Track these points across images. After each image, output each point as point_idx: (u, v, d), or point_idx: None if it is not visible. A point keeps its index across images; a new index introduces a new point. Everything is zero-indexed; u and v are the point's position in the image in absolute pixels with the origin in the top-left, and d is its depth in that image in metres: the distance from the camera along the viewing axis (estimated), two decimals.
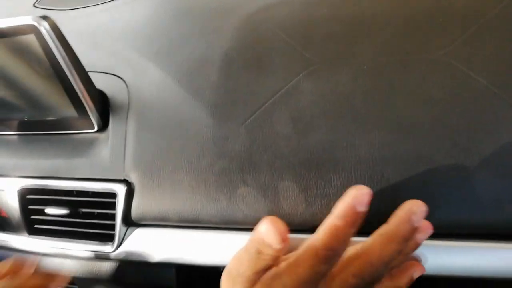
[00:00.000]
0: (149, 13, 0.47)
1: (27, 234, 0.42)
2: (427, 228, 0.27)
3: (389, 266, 0.25)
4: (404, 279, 0.28)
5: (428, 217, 0.28)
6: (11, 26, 0.34)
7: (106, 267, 0.39)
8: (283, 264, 0.25)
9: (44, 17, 0.33)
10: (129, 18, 0.48)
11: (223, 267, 0.35)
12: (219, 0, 0.44)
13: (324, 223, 0.25)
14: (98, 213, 0.39)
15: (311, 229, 0.31)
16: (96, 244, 0.38)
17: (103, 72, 0.42)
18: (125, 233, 0.37)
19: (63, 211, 0.39)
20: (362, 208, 0.23)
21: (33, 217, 0.41)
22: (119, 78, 0.41)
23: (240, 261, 0.26)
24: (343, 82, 0.33)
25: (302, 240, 0.26)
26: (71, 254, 0.40)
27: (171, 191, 0.34)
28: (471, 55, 0.31)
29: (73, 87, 0.37)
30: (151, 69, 0.40)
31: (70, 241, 0.39)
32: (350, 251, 0.25)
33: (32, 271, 0.34)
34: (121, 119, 0.39)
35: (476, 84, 0.30)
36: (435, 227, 0.27)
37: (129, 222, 0.37)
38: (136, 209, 0.35)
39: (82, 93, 0.37)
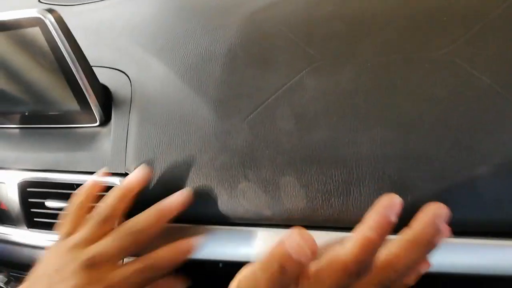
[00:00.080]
0: (153, 9, 0.47)
1: (26, 227, 0.42)
2: (447, 230, 0.26)
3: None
4: (412, 275, 0.28)
5: None
6: (16, 19, 0.34)
7: None
8: (304, 281, 0.23)
9: (50, 10, 0.34)
10: (133, 14, 0.48)
11: (221, 262, 0.35)
12: None
13: (355, 235, 0.23)
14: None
15: (311, 225, 0.32)
16: None
17: (107, 67, 0.42)
18: None
19: (63, 204, 0.39)
20: (394, 218, 0.23)
21: (33, 210, 0.41)
22: (122, 73, 0.42)
23: (256, 281, 0.22)
24: (346, 79, 0.33)
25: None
26: None
27: (171, 185, 0.34)
28: (474, 54, 0.31)
29: (76, 81, 0.37)
30: (154, 64, 0.40)
31: None
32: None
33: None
34: (123, 113, 0.39)
35: (479, 83, 0.30)
36: None
37: (129, 216, 0.37)
38: (137, 203, 0.35)
39: (85, 87, 0.37)
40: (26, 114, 0.42)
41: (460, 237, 0.29)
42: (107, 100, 0.40)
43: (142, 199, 0.34)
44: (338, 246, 0.23)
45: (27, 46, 0.36)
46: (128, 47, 0.44)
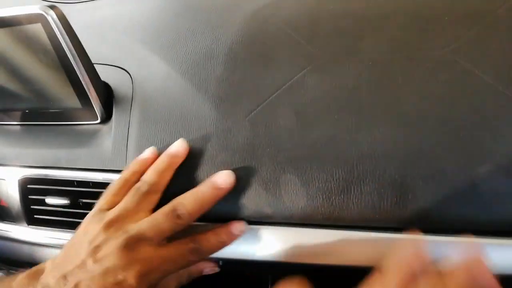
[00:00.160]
0: (155, 7, 0.47)
1: (26, 224, 0.41)
2: None
3: None
4: None
5: (429, 213, 0.29)
6: (18, 15, 0.34)
7: None
8: None
9: (52, 7, 0.34)
10: (135, 11, 0.48)
11: (221, 259, 0.35)
12: None
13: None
14: None
15: (311, 224, 0.32)
16: None
17: (108, 65, 0.43)
18: None
19: (64, 201, 0.39)
20: None
21: (33, 207, 0.41)
22: (124, 71, 0.42)
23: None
24: (348, 77, 0.33)
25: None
26: None
27: (171, 183, 0.34)
28: (476, 53, 0.31)
29: (78, 78, 0.37)
30: (156, 62, 0.40)
31: (69, 232, 0.39)
32: None
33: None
34: (124, 111, 0.39)
35: (481, 82, 0.30)
36: (436, 222, 0.27)
37: None
38: None
39: (87, 84, 0.37)
40: (27, 111, 0.42)
41: (460, 235, 0.29)
42: (108, 98, 0.40)
43: None
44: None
45: (28, 42, 0.36)
46: (130, 44, 0.44)
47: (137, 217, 0.30)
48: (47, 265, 0.30)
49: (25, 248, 0.43)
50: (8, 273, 0.47)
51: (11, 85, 0.40)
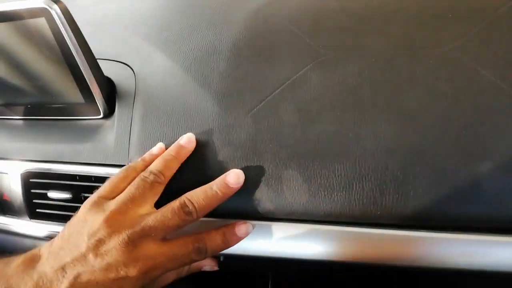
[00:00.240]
0: (158, 3, 0.48)
1: (28, 218, 0.42)
2: None
3: None
4: None
5: (430, 210, 0.29)
6: (22, 9, 0.34)
7: None
8: None
9: (55, 1, 0.34)
10: (138, 7, 0.48)
11: (222, 255, 0.35)
12: None
13: None
14: None
15: (313, 220, 0.32)
16: None
17: (111, 60, 0.43)
18: None
19: (66, 195, 0.39)
20: None
21: (35, 201, 0.41)
22: (126, 66, 0.42)
23: None
24: (351, 74, 0.33)
25: None
26: None
27: (173, 178, 0.34)
28: (479, 51, 0.31)
29: (81, 73, 0.37)
30: (158, 57, 0.41)
31: None
32: None
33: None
34: (127, 106, 0.39)
35: (484, 79, 0.30)
36: (438, 219, 0.27)
37: None
38: None
39: (89, 79, 0.37)
40: (30, 105, 0.42)
41: (461, 233, 0.29)
42: (111, 93, 0.40)
43: None
44: None
45: (32, 36, 0.36)
46: (133, 40, 0.44)
47: (142, 209, 0.30)
48: (43, 252, 0.30)
49: (27, 242, 0.43)
50: None
51: (14, 80, 0.40)
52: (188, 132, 0.35)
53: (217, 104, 0.35)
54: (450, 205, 0.28)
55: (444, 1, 0.35)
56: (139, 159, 0.34)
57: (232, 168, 0.32)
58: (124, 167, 0.33)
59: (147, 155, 0.34)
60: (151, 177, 0.31)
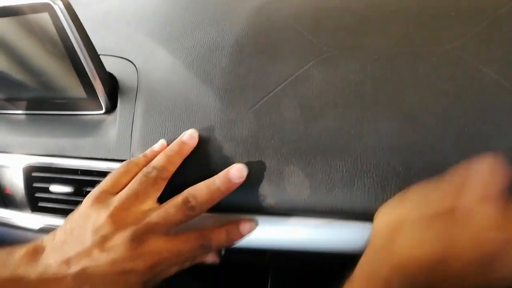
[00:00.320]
0: (161, 0, 0.48)
1: (30, 212, 0.42)
2: None
3: None
4: None
5: None
6: (25, 4, 0.34)
7: None
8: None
9: None
10: (141, 3, 0.48)
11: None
12: None
13: None
14: None
15: (314, 215, 0.32)
16: None
17: (114, 56, 0.43)
18: None
19: (68, 189, 0.39)
20: None
21: (37, 194, 0.41)
22: (129, 62, 0.42)
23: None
24: (353, 71, 0.33)
25: None
26: None
27: (175, 173, 0.34)
28: (482, 49, 0.31)
29: (83, 68, 0.37)
30: (161, 53, 0.41)
31: None
32: None
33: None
34: (129, 101, 0.39)
35: (486, 78, 0.30)
36: None
37: None
38: None
39: (92, 74, 0.38)
40: (33, 100, 0.43)
41: None
42: (113, 88, 0.40)
43: None
44: None
45: (35, 31, 0.36)
46: (135, 36, 0.44)
47: (145, 205, 0.30)
48: (46, 244, 0.30)
49: (29, 235, 0.43)
50: None
51: (17, 74, 0.41)
52: (190, 127, 0.35)
53: (219, 100, 0.35)
54: None
55: (445, 0, 0.35)
56: (141, 155, 0.34)
57: (233, 163, 0.32)
58: (125, 161, 0.33)
59: (148, 152, 0.34)
60: (154, 172, 0.31)
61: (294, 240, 0.33)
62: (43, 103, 0.42)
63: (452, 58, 0.32)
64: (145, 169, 0.32)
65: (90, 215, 0.30)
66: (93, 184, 0.39)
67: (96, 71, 0.38)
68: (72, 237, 0.29)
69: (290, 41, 0.37)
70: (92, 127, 0.40)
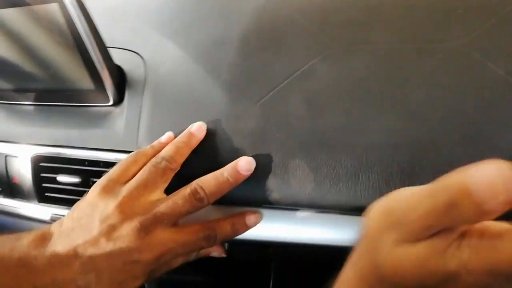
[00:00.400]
0: None
1: (37, 202, 0.42)
2: None
3: None
4: None
5: None
6: None
7: None
8: (472, 241, 0.16)
9: None
10: None
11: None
12: None
13: None
14: None
15: (319, 210, 0.32)
16: None
17: (122, 48, 0.43)
18: None
19: (75, 179, 0.39)
20: None
21: (44, 184, 0.42)
22: (136, 54, 0.42)
23: (414, 204, 0.17)
24: (359, 67, 0.33)
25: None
26: None
27: (182, 165, 0.35)
28: (489, 46, 0.31)
29: (92, 59, 0.37)
30: (169, 47, 0.41)
31: None
32: None
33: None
34: (137, 94, 0.40)
35: (493, 75, 0.30)
36: None
37: None
38: None
39: (100, 65, 0.38)
40: (41, 91, 0.43)
41: None
42: (121, 81, 0.41)
43: None
44: None
45: (44, 22, 0.37)
46: (143, 29, 0.44)
47: (153, 195, 0.30)
48: (54, 231, 0.30)
49: (35, 225, 0.43)
50: None
51: (25, 65, 0.41)
52: (196, 120, 0.35)
53: (226, 94, 0.36)
54: None
55: None
56: (148, 146, 0.34)
57: (239, 156, 0.33)
58: (133, 152, 0.34)
59: (156, 143, 0.35)
60: (163, 163, 0.31)
61: (297, 233, 0.33)
62: (52, 95, 0.43)
63: (459, 55, 0.32)
64: (154, 160, 0.32)
65: (98, 204, 0.30)
66: (100, 174, 0.39)
67: (104, 63, 0.38)
68: (80, 225, 0.29)
69: (297, 36, 0.37)
70: (99, 118, 0.40)
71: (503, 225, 0.17)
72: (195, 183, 0.31)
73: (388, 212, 0.19)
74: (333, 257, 0.33)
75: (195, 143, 0.34)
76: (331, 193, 0.31)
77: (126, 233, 0.28)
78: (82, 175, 0.39)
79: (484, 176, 0.14)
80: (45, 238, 0.29)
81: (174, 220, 0.30)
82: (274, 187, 0.32)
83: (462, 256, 0.16)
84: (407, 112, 0.31)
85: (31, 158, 0.42)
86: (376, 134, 0.31)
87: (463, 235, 0.17)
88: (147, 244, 0.28)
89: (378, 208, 0.20)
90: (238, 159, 0.32)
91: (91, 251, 0.28)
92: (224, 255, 0.36)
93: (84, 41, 0.36)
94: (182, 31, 0.42)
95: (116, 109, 0.41)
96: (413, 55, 0.33)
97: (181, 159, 0.33)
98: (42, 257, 0.28)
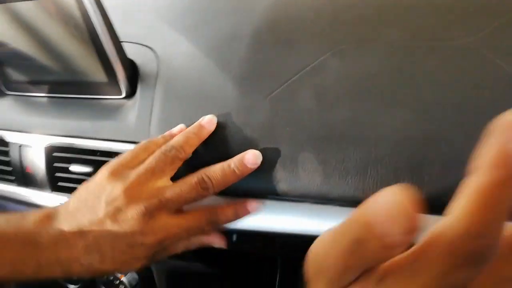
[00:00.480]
0: None
1: (50, 191, 0.43)
2: None
3: None
4: None
5: (444, 195, 0.29)
6: None
7: None
8: (389, 274, 0.14)
9: None
10: None
11: (235, 232, 0.36)
12: None
13: (462, 191, 0.13)
14: None
15: (327, 202, 0.32)
16: None
17: (135, 43, 0.44)
18: None
19: (87, 169, 0.40)
20: None
21: (57, 174, 0.43)
22: (149, 49, 0.43)
23: (329, 246, 0.15)
24: (369, 63, 0.34)
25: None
26: None
27: (191, 157, 0.35)
28: (500, 44, 0.31)
29: (105, 52, 0.38)
30: (181, 41, 0.42)
31: None
32: None
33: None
34: (149, 87, 0.40)
35: (503, 72, 0.30)
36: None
37: None
38: None
39: (114, 59, 0.39)
40: (55, 83, 0.44)
41: None
42: (134, 74, 0.42)
43: None
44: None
45: (59, 15, 0.38)
46: (156, 24, 0.45)
47: (160, 182, 0.31)
48: (60, 210, 0.31)
49: None
50: None
51: (40, 57, 0.42)
52: (207, 114, 0.36)
53: (237, 88, 0.36)
54: None
55: None
56: (160, 136, 0.35)
57: (249, 148, 0.33)
58: (145, 140, 0.34)
59: (167, 134, 0.35)
60: (173, 151, 0.32)
61: (304, 226, 0.33)
62: (66, 86, 0.44)
63: (469, 52, 0.32)
64: (163, 147, 0.32)
65: (105, 187, 0.30)
66: None
67: (118, 56, 0.39)
68: (86, 206, 0.30)
69: (308, 32, 0.37)
70: (112, 111, 0.41)
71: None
72: (202, 172, 0.31)
73: (313, 258, 0.17)
74: None
75: (205, 135, 0.34)
76: (340, 186, 0.31)
77: (131, 216, 0.29)
78: (94, 165, 0.40)
79: (382, 206, 0.12)
80: (50, 217, 0.30)
81: (178, 206, 0.31)
82: (283, 178, 0.32)
83: None
84: (416, 107, 0.31)
85: (45, 148, 0.42)
86: (385, 128, 0.31)
87: (385, 275, 0.14)
88: (151, 228, 0.29)
89: (309, 253, 0.17)
90: (245, 152, 0.32)
91: (95, 232, 0.29)
92: (224, 246, 0.36)
93: (99, 35, 0.37)
94: (194, 27, 0.42)
95: (129, 102, 0.41)
96: (423, 52, 0.33)
97: (190, 149, 0.33)
98: (47, 235, 0.28)
